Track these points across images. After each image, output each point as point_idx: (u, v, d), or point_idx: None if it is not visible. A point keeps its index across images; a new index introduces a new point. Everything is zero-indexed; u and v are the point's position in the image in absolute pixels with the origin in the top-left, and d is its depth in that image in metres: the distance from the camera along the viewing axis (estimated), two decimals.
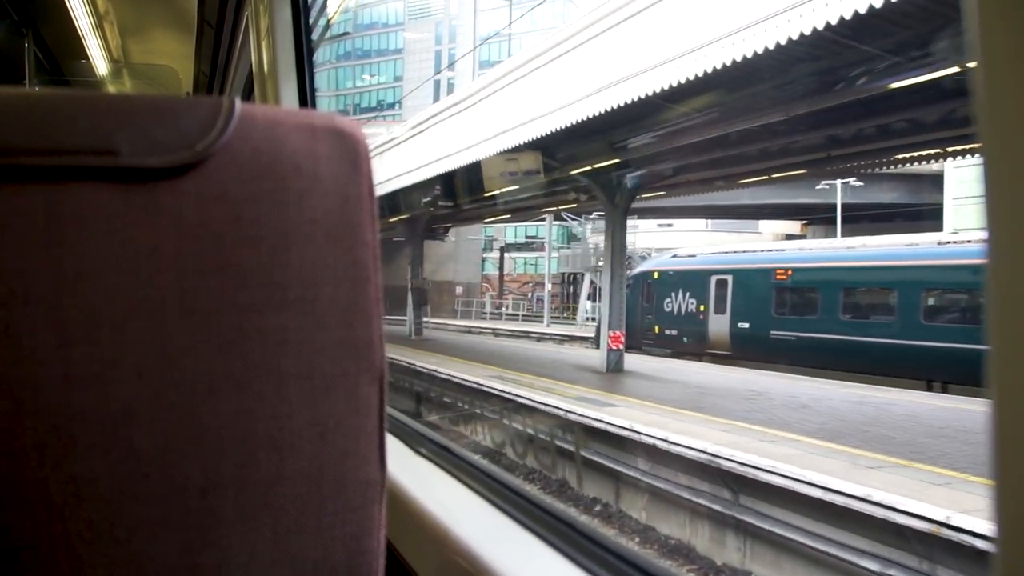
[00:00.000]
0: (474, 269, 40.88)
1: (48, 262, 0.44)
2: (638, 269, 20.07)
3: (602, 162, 13.50)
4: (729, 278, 16.79)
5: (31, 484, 0.44)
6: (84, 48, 4.18)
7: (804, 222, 29.81)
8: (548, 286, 33.21)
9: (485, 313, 36.82)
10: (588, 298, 30.81)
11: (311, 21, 2.16)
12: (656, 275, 18.92)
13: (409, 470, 1.28)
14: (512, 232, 43.39)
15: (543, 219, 32.54)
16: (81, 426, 0.45)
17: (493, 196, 17.65)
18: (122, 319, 0.45)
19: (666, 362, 15.51)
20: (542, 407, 10.03)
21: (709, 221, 32.63)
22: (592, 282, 32.00)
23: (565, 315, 34.87)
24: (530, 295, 39.82)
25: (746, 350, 15.70)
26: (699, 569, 7.35)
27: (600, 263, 28.85)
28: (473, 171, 16.24)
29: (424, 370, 13.76)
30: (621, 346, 13.75)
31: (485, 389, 11.61)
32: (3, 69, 4.04)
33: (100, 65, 4.42)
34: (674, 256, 19.49)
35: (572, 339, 23.52)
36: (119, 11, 3.77)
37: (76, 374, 0.44)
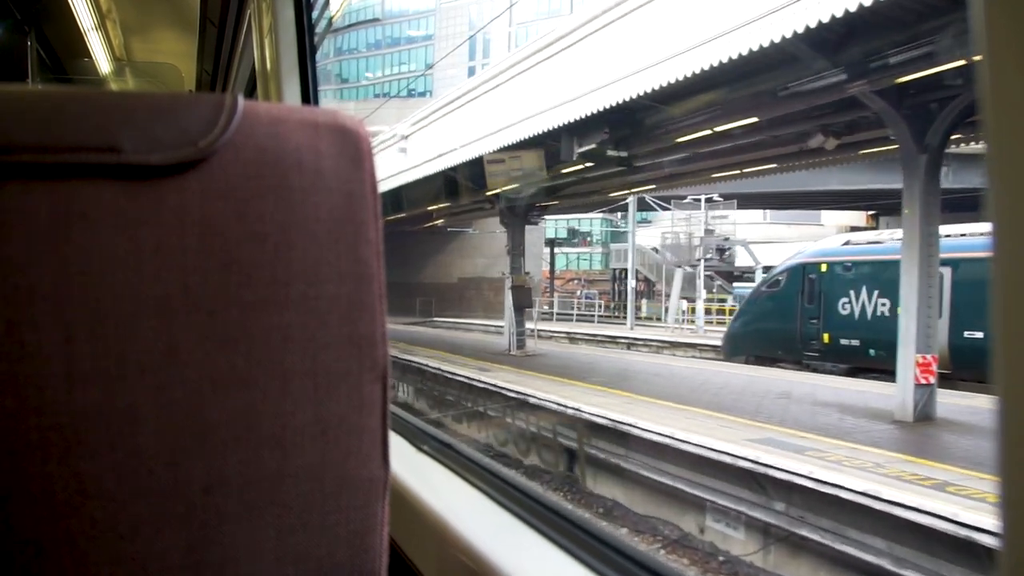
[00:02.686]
0: (534, 264, 34.91)
1: (52, 259, 0.44)
2: (792, 260, 14.83)
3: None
4: (946, 271, 11.39)
5: (35, 481, 0.44)
6: (87, 46, 4.19)
7: (870, 212, 25.91)
8: (632, 282, 27.07)
9: (549, 314, 31.35)
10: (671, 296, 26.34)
11: (313, 18, 2.16)
12: (823, 267, 13.69)
13: (412, 467, 1.28)
14: (552, 226, 39.77)
15: (614, 209, 29.26)
16: (85, 423, 0.45)
17: (687, 144, 11.79)
18: (126, 316, 0.45)
19: (967, 397, 9.49)
20: None
21: (767, 212, 28.68)
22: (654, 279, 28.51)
23: (618, 315, 30.94)
24: (579, 293, 36.66)
25: (979, 368, 10.11)
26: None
27: (702, 257, 24.32)
28: (647, 112, 10.56)
29: (608, 424, 8.26)
30: (933, 380, 8.70)
31: (814, 487, 5.87)
32: (6, 68, 4.05)
33: (103, 63, 4.43)
34: (847, 243, 14.35)
35: (674, 346, 18.96)
36: (121, 10, 3.78)
37: (80, 371, 0.44)
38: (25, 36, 3.95)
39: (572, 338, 22.04)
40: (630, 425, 8.00)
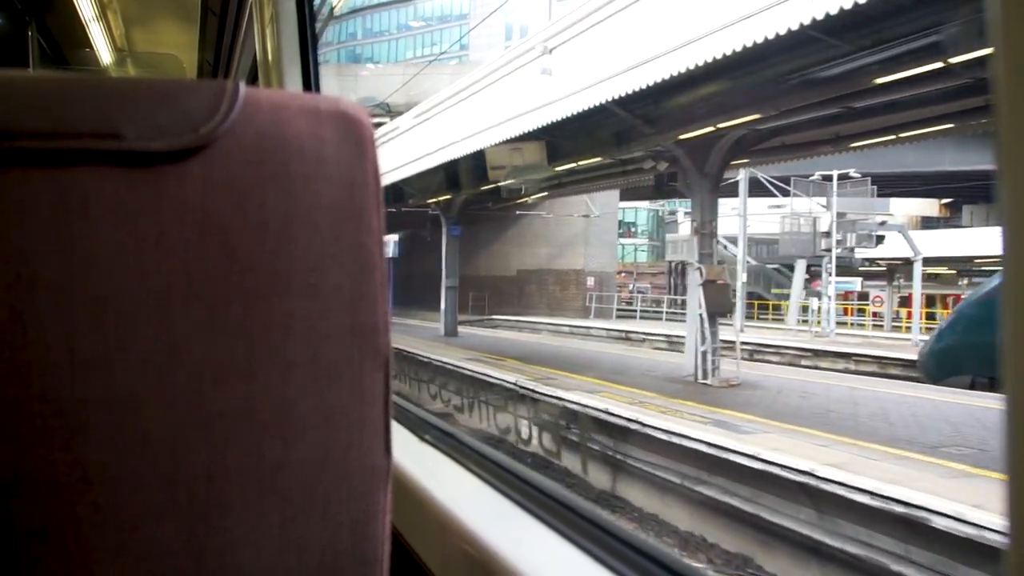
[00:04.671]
0: (608, 254, 28.37)
1: (54, 246, 0.44)
2: None
3: None
4: None
5: (39, 469, 0.44)
6: (88, 37, 4.18)
7: (945, 201, 21.77)
8: (743, 276, 20.61)
9: (633, 311, 27.28)
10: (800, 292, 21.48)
11: (315, 7, 2.15)
12: None
13: (415, 457, 1.28)
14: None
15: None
16: (88, 411, 0.45)
17: None
18: (128, 304, 0.45)
19: None
20: None
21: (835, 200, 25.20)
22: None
23: (672, 311, 26.39)
24: (630, 287, 33.14)
25: None
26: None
27: (832, 247, 18.90)
28: None
29: None
30: None
31: None
32: (7, 58, 4.04)
33: (104, 54, 4.42)
34: None
35: (817, 355, 14.54)
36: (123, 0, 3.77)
37: (83, 359, 0.44)
38: (26, 27, 3.94)
39: (672, 342, 17.23)
40: None
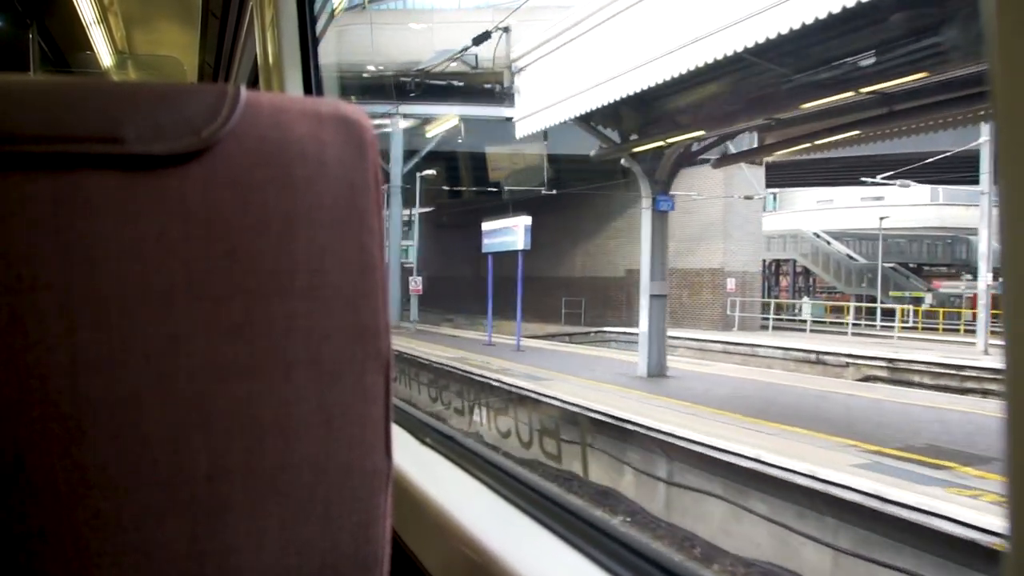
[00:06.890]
0: (751, 249, 21.33)
1: (55, 249, 0.44)
2: None
3: None
4: None
5: (38, 472, 0.44)
6: (89, 39, 4.19)
7: None
8: (986, 276, 15.23)
9: (802, 322, 21.46)
10: None
11: (316, 10, 2.15)
12: None
13: (415, 460, 1.28)
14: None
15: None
16: (89, 412, 0.45)
17: None
18: (130, 305, 0.45)
19: None
20: None
21: (939, 188, 20.45)
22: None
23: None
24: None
25: None
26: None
27: None
28: None
29: None
30: None
31: None
32: (8, 61, 4.05)
33: (105, 56, 4.43)
34: None
35: None
36: (123, 2, 3.77)
37: (84, 360, 0.44)
38: (27, 29, 3.95)
39: (896, 368, 13.04)
40: None
